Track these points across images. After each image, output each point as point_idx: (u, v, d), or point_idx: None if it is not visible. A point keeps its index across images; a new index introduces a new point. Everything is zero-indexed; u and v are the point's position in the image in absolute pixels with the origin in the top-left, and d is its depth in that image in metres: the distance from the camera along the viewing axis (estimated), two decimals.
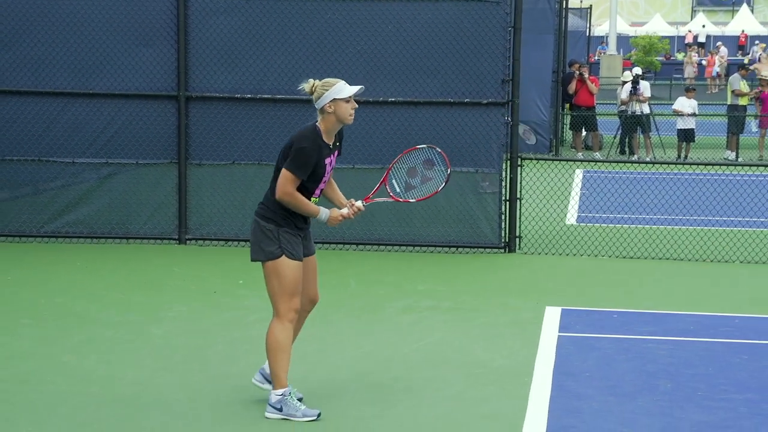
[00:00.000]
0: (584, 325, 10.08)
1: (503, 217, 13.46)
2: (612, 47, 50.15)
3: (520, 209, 13.61)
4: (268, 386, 7.56)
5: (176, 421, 7.22)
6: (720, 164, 17.78)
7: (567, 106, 26.79)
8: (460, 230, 13.42)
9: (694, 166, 21.38)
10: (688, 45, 60.82)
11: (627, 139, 25.88)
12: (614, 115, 26.80)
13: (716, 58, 52.30)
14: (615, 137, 26.11)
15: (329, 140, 7.32)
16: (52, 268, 12.26)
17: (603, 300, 11.12)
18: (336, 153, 7.42)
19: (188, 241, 13.62)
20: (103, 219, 13.60)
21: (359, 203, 7.45)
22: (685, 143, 25.50)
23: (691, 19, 75.25)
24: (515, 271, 12.64)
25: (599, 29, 61.04)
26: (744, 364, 8.76)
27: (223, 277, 11.89)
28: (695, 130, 25.83)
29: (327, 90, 7.20)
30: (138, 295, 10.94)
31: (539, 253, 13.52)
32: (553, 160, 16.12)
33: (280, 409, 7.28)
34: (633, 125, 25.46)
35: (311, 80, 7.29)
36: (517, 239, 13.57)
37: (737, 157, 25.19)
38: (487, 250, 13.43)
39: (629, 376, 8.34)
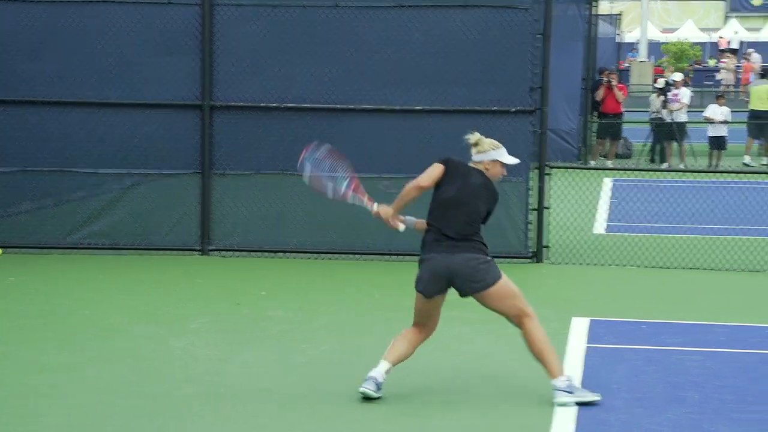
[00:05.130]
0: (613, 336, 9.95)
1: (530, 226, 13.31)
2: (643, 54, 49.91)
3: (548, 219, 13.46)
4: (379, 393, 7.74)
5: None
6: (752, 172, 17.57)
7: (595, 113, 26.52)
8: (486, 240, 13.21)
9: (725, 174, 21.16)
10: (721, 51, 60.39)
11: (659, 147, 25.61)
12: (645, 122, 26.57)
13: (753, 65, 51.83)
14: (645, 145, 25.87)
15: None
16: (74, 280, 12.22)
17: (632, 311, 10.96)
18: None
19: (211, 252, 13.53)
20: (125, 230, 13.53)
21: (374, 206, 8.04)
22: (716, 151, 25.26)
23: (724, 25, 74.84)
24: (543, 281, 12.50)
25: (630, 36, 60.72)
26: None
27: (247, 288, 11.82)
28: (727, 138, 25.57)
29: (493, 149, 7.95)
30: (160, 307, 10.88)
31: (567, 264, 13.36)
32: (581, 168, 15.96)
33: (572, 392, 7.73)
34: (665, 133, 25.19)
35: (477, 134, 8.00)
36: (545, 249, 13.42)
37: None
38: (514, 260, 13.28)
39: (658, 387, 8.23)
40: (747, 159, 25.59)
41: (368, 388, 7.73)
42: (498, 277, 7.80)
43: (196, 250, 13.55)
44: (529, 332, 7.80)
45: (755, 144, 26.40)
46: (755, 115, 26.17)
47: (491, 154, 7.91)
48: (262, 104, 13.39)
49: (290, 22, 13.34)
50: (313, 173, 8.07)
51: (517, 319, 7.85)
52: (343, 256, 13.33)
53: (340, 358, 9.02)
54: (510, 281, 7.85)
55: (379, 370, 7.79)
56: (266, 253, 13.40)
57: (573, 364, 8.80)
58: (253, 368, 8.68)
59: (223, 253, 13.56)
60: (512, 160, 8.02)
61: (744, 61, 53.94)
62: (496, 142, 7.98)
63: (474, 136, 7.96)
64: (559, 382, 7.74)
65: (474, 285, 7.77)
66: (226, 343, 9.45)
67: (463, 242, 7.80)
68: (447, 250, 7.76)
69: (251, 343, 9.47)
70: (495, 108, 13.11)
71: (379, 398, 7.76)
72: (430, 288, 7.79)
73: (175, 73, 13.43)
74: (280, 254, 13.38)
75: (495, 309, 7.88)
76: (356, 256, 13.35)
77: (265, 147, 13.38)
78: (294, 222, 13.38)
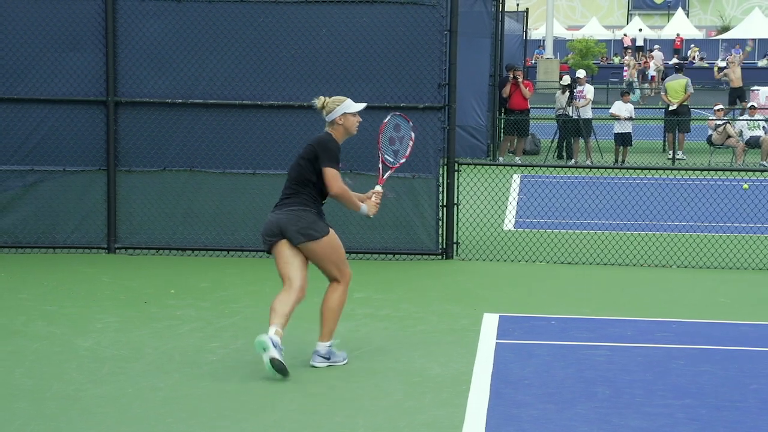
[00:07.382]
0: (522, 331, 9.97)
1: (440, 223, 13.31)
2: (549, 51, 50.34)
3: (457, 215, 13.47)
4: (325, 362, 8.51)
5: None
6: (657, 168, 17.76)
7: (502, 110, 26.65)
8: (396, 237, 13.25)
9: (631, 171, 21.37)
10: (626, 49, 61.21)
11: (565, 144, 25.82)
12: (552, 119, 26.77)
13: (651, 62, 52.60)
14: (552, 141, 26.07)
15: None
16: None
17: (541, 306, 11.01)
18: None
19: (118, 250, 13.31)
20: (28, 228, 13.23)
21: (378, 188, 8.63)
22: (622, 147, 25.55)
23: (627, 23, 75.90)
24: (453, 277, 12.49)
25: (536, 33, 61.29)
26: (682, 369, 8.71)
27: (154, 286, 11.64)
28: (632, 134, 25.88)
29: (338, 105, 8.35)
30: (65, 307, 10.65)
31: (477, 260, 13.39)
32: (490, 164, 15.99)
33: (328, 358, 8.50)
34: (571, 129, 25.41)
35: (321, 97, 8.42)
36: (455, 245, 13.43)
37: (674, 157, 25.29)
38: (425, 256, 13.28)
39: (568, 382, 8.26)
40: (679, 154, 25.74)
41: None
42: (326, 232, 8.33)
43: (102, 248, 13.31)
44: (338, 293, 8.50)
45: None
46: (672, 109, 26.41)
47: (337, 110, 8.34)
48: (168, 100, 13.20)
49: (196, 16, 13.16)
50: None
51: (333, 279, 8.52)
52: (253, 253, 13.21)
53: (252, 356, 8.89)
54: (338, 243, 8.40)
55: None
56: (174, 251, 13.23)
57: (484, 361, 8.79)
58: (160, 368, 8.53)
59: (131, 251, 13.35)
60: (358, 107, 8.41)
61: (644, 58, 54.75)
62: (339, 98, 8.41)
63: (319, 101, 8.40)
64: (323, 347, 8.47)
65: (300, 235, 8.31)
66: (133, 343, 9.28)
67: (285, 202, 8.39)
68: (276, 208, 8.45)
69: (159, 343, 9.31)
70: (403, 104, 13.06)
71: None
72: (265, 243, 8.55)
73: (78, 67, 13.16)
74: (189, 252, 13.23)
75: (317, 264, 8.48)
76: (265, 253, 13.20)
77: (171, 143, 13.19)
78: (202, 219, 13.23)
